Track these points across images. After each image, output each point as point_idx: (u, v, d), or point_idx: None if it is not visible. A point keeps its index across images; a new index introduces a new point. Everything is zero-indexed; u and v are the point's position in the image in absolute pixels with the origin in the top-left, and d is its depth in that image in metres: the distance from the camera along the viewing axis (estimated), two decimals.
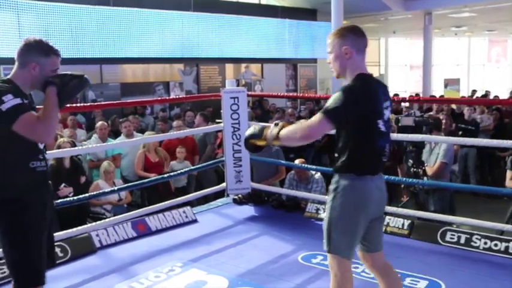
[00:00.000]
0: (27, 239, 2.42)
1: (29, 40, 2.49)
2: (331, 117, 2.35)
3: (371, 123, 2.42)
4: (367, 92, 2.41)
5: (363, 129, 2.42)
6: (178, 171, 5.52)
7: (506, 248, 3.91)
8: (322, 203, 4.97)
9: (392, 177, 4.71)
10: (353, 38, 2.49)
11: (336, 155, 2.53)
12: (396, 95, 14.63)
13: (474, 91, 17.74)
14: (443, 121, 6.05)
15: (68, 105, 6.18)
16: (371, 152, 2.46)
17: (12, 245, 2.42)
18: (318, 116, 2.37)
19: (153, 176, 5.80)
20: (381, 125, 2.43)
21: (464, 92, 20.79)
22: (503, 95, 16.04)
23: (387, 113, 2.48)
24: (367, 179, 2.46)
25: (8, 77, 2.48)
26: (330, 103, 2.37)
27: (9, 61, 9.69)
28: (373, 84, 2.48)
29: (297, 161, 5.56)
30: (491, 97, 14.44)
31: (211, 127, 6.23)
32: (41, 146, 2.53)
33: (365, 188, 2.46)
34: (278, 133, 2.50)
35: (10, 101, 2.29)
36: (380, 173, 2.55)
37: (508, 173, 5.06)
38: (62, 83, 2.50)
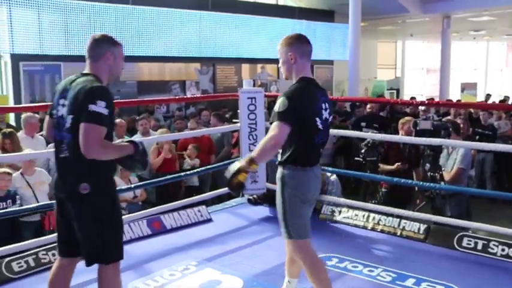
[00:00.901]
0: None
1: (96, 36, 2.71)
2: (286, 120, 2.70)
3: (310, 122, 2.79)
4: (306, 94, 2.81)
5: (303, 127, 2.76)
6: (195, 170, 5.53)
7: None
8: (338, 205, 4.96)
9: (409, 181, 4.67)
10: (298, 45, 2.90)
11: (280, 150, 2.86)
12: (413, 98, 14.59)
13: (488, 95, 17.52)
14: (461, 125, 5.99)
15: None
16: (310, 146, 2.84)
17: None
18: (276, 124, 2.71)
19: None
20: (319, 123, 2.82)
21: (481, 96, 20.58)
22: None
23: (325, 113, 2.86)
24: (307, 169, 2.85)
25: (89, 72, 2.65)
26: (279, 108, 2.73)
27: (28, 58, 9.83)
28: (312, 87, 2.89)
29: None
30: (509, 102, 14.26)
31: (227, 127, 6.24)
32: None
33: (307, 177, 2.86)
34: (251, 157, 2.71)
35: (100, 107, 2.46)
36: (318, 163, 2.96)
37: None
38: (140, 154, 2.71)
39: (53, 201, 4.45)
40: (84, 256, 2.68)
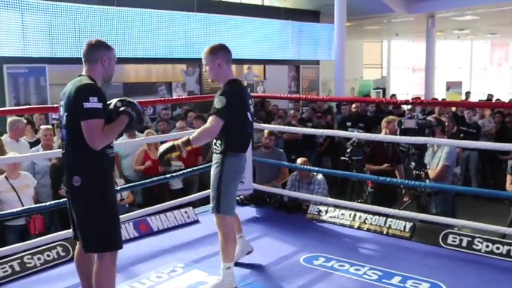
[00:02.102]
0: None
1: (91, 41, 2.95)
2: (221, 115, 3.22)
3: (243, 116, 3.37)
4: (238, 92, 3.37)
5: (237, 120, 3.32)
6: (181, 172, 5.52)
7: (508, 251, 3.91)
8: (324, 204, 4.98)
9: (395, 180, 4.71)
10: (223, 53, 3.42)
11: (215, 140, 3.39)
12: (393, 96, 14.69)
13: (468, 93, 17.67)
14: (446, 124, 6.05)
15: None
16: (244, 135, 3.43)
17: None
18: (212, 118, 3.23)
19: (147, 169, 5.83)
20: (249, 116, 3.42)
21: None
22: (505, 99, 16.02)
23: (251, 108, 3.49)
24: (241, 155, 3.42)
25: (85, 74, 2.88)
26: (216, 105, 3.25)
27: (12, 60, 9.74)
28: (241, 87, 3.49)
29: (299, 160, 5.58)
30: (493, 100, 14.42)
31: None
32: None
33: (240, 162, 3.43)
34: (188, 139, 3.25)
35: (94, 103, 2.70)
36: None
37: (509, 178, 5.07)
38: (136, 118, 2.93)
39: (38, 205, 4.45)
40: (81, 244, 2.91)
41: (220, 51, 3.43)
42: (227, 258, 3.39)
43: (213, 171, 3.43)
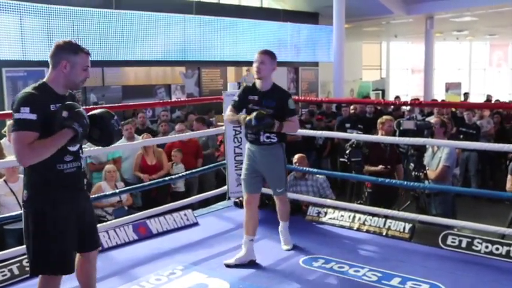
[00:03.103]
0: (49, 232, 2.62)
1: (59, 42, 2.67)
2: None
3: None
4: None
5: None
6: (178, 175, 5.52)
7: (508, 252, 3.91)
8: (324, 206, 4.97)
9: (394, 181, 4.70)
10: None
11: (268, 133, 3.85)
12: (397, 97, 14.70)
13: (467, 94, 17.69)
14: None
15: None
16: None
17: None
18: (295, 117, 3.96)
19: (147, 178, 5.85)
20: None
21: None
22: (504, 99, 16.03)
23: None
24: None
25: (44, 80, 2.66)
26: (292, 106, 3.92)
27: (11, 64, 9.73)
28: None
29: (296, 156, 5.59)
30: (493, 101, 14.43)
31: (212, 130, 6.24)
32: (74, 149, 2.68)
33: None
34: (282, 124, 3.77)
35: (24, 114, 2.46)
36: None
37: (509, 178, 5.06)
38: (81, 133, 2.58)
39: None
40: None
41: (276, 59, 3.94)
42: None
43: (270, 159, 3.90)
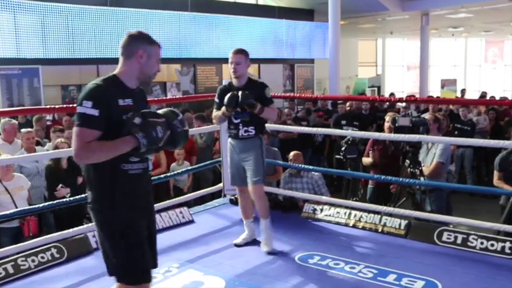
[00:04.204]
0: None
1: (131, 32, 2.54)
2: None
3: None
4: None
5: None
6: (176, 172, 5.51)
7: (503, 248, 3.92)
8: (320, 203, 4.97)
9: (389, 177, 4.71)
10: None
11: (247, 126, 4.04)
12: (392, 94, 14.72)
13: (464, 90, 17.73)
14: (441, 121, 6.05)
15: (65, 105, 6.16)
16: None
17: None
18: (273, 104, 4.05)
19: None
20: None
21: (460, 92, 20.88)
22: (499, 96, 16.05)
23: None
24: None
25: (114, 72, 2.51)
26: (269, 95, 4.03)
27: (6, 61, 9.69)
28: None
29: (291, 153, 5.58)
30: (487, 98, 14.45)
31: (208, 127, 6.23)
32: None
33: None
34: (262, 107, 3.92)
35: (87, 108, 2.30)
36: None
37: (496, 173, 5.09)
38: (146, 145, 2.36)
39: (31, 207, 4.42)
40: None
41: (249, 56, 4.05)
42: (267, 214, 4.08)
43: (248, 151, 4.03)
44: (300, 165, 5.38)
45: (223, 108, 3.97)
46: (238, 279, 3.57)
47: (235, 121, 4.04)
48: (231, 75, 4.06)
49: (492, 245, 3.97)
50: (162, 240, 4.37)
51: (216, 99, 4.17)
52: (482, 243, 4.01)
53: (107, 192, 2.44)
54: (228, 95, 3.91)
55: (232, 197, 5.41)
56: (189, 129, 6.98)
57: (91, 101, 2.30)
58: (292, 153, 5.59)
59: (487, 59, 26.17)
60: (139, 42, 2.51)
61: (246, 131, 4.03)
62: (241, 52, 4.01)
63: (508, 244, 3.92)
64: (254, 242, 4.27)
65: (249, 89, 3.93)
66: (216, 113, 4.16)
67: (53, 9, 9.33)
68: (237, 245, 4.18)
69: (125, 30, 9.44)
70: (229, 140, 4.20)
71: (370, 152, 5.67)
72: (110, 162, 2.37)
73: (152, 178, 5.10)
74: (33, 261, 3.74)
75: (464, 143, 6.70)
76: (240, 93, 3.86)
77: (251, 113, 3.92)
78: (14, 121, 6.07)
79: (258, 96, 3.91)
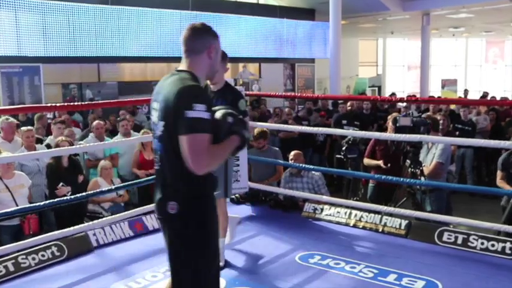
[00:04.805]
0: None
1: (195, 25, 2.31)
2: None
3: None
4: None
5: None
6: None
7: (503, 248, 3.92)
8: (321, 202, 4.97)
9: (390, 177, 4.71)
10: None
11: None
12: (393, 94, 14.72)
13: (466, 90, 17.75)
14: (441, 122, 6.06)
15: (65, 104, 6.13)
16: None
17: None
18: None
19: (143, 174, 5.85)
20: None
21: (462, 92, 20.86)
22: (500, 96, 16.05)
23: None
24: None
25: (184, 68, 2.30)
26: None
27: (6, 59, 9.69)
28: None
29: (292, 153, 5.58)
30: (489, 98, 14.45)
31: None
32: None
33: None
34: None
35: (200, 112, 2.07)
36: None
37: (499, 173, 5.09)
38: (244, 137, 2.31)
39: (32, 205, 4.42)
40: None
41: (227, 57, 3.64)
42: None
43: None
44: (300, 164, 5.38)
45: None
46: (238, 279, 3.57)
47: None
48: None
49: (493, 245, 3.97)
50: (161, 239, 4.38)
51: None
52: (482, 243, 4.01)
53: (200, 201, 2.24)
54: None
55: (233, 196, 5.41)
56: None
57: (204, 104, 2.08)
58: (293, 153, 5.59)
59: (487, 59, 26.16)
60: (210, 36, 2.32)
61: None
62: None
63: (508, 244, 3.93)
64: (255, 241, 4.27)
65: (225, 95, 3.60)
66: None
67: (54, 7, 9.33)
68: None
69: (125, 29, 9.44)
70: None
71: (373, 153, 5.64)
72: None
73: (146, 179, 5.15)
74: (33, 259, 3.74)
75: (465, 143, 6.69)
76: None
77: None
78: (11, 119, 6.05)
79: (230, 105, 3.24)
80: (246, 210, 5.23)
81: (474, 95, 17.37)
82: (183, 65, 2.31)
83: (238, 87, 4.74)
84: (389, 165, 5.35)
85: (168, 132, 2.15)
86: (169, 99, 2.12)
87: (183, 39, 2.30)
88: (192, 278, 2.23)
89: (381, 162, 5.40)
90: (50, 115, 8.72)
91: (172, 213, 2.18)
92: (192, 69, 2.27)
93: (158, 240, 4.29)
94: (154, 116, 2.25)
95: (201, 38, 2.29)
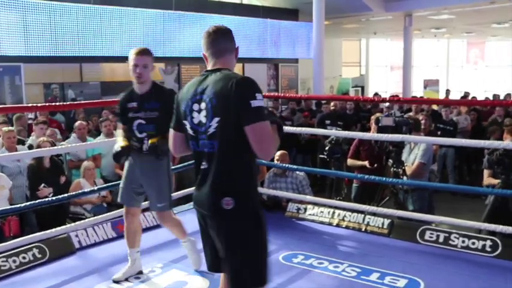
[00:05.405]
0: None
1: (224, 27, 2.43)
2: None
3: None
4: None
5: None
6: None
7: (484, 246, 3.98)
8: (304, 202, 4.99)
9: (373, 177, 4.74)
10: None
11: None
12: (376, 94, 14.82)
13: (448, 91, 17.95)
14: (423, 121, 6.12)
15: (47, 104, 6.05)
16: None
17: None
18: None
19: None
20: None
21: (444, 92, 21.08)
22: (481, 97, 16.28)
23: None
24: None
25: (222, 67, 2.34)
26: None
27: None
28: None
29: (278, 153, 5.58)
30: (470, 98, 14.62)
31: None
32: None
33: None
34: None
35: (261, 100, 2.18)
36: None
37: (485, 172, 5.15)
38: (281, 126, 2.42)
39: (13, 207, 4.37)
40: (229, 281, 2.32)
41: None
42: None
43: (151, 169, 3.43)
44: (284, 164, 5.39)
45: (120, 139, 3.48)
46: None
47: (140, 135, 3.39)
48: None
49: (473, 243, 4.03)
50: (146, 240, 4.35)
51: (118, 110, 3.64)
52: (463, 241, 4.07)
53: (253, 193, 2.32)
54: (116, 151, 3.44)
55: None
56: None
57: (261, 94, 2.21)
58: (278, 153, 5.58)
59: (468, 60, 26.49)
60: (232, 37, 2.43)
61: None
62: (147, 53, 3.35)
63: (488, 242, 3.99)
64: None
65: (155, 96, 3.37)
66: (119, 131, 3.68)
67: (35, 6, 9.21)
68: (116, 281, 3.51)
69: (108, 29, 9.38)
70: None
71: (357, 153, 5.67)
72: (254, 156, 2.26)
73: None
74: (14, 261, 3.70)
75: (446, 143, 6.77)
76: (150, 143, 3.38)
77: (157, 126, 3.31)
78: None
79: (164, 106, 3.21)
80: None
81: (455, 95, 17.56)
82: (217, 65, 2.35)
83: None
84: (375, 165, 5.40)
85: (226, 127, 2.20)
86: (225, 94, 2.17)
87: (216, 40, 2.36)
88: (251, 270, 2.29)
89: (366, 163, 5.43)
90: (31, 115, 8.62)
91: (227, 209, 2.21)
92: (227, 68, 2.34)
93: (141, 241, 4.27)
94: (200, 116, 2.27)
95: (232, 39, 2.40)
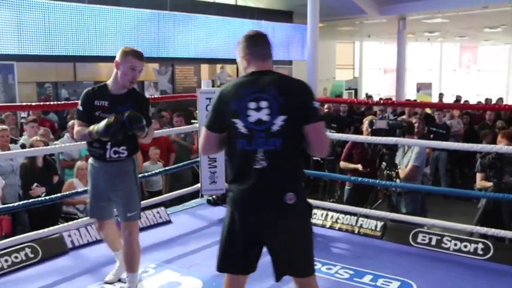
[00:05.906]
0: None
1: (261, 32, 2.58)
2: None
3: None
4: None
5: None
6: (155, 171, 5.48)
7: (475, 249, 4.00)
8: None
9: (366, 179, 4.76)
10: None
11: (118, 146, 3.14)
12: (370, 97, 14.88)
13: (441, 94, 18.05)
14: (416, 125, 6.15)
15: (41, 103, 6.01)
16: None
17: None
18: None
19: None
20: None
21: (436, 96, 21.19)
22: (473, 100, 16.39)
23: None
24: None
25: (272, 70, 2.48)
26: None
27: None
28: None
29: None
30: (462, 102, 14.71)
31: (187, 127, 6.22)
32: None
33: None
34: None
35: (317, 103, 2.39)
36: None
37: (478, 175, 5.19)
38: None
39: (5, 206, 4.34)
40: (296, 271, 2.52)
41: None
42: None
43: (117, 177, 3.18)
44: None
45: (94, 128, 3.02)
46: (215, 280, 3.55)
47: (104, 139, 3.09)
48: (121, 80, 3.20)
49: (465, 246, 4.05)
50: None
51: (80, 107, 3.20)
52: (455, 244, 4.09)
53: (305, 188, 2.52)
54: (108, 120, 2.97)
55: (210, 198, 5.41)
56: (168, 130, 6.94)
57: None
58: None
59: (461, 64, 26.65)
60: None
61: (115, 152, 3.14)
62: (144, 58, 3.22)
63: (480, 245, 4.01)
64: None
65: (130, 99, 3.16)
66: (79, 129, 3.17)
67: (29, 4, 9.17)
68: (108, 283, 3.47)
69: (103, 28, 9.35)
70: (91, 161, 3.27)
71: (350, 156, 5.68)
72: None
73: None
74: (6, 261, 3.68)
75: (439, 146, 6.80)
76: (127, 114, 2.98)
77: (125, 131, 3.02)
78: None
79: (138, 111, 3.05)
80: (222, 211, 5.17)
81: (448, 99, 17.66)
82: (264, 67, 2.45)
83: (216, 88, 4.68)
84: (368, 169, 5.41)
85: (291, 125, 2.29)
86: (293, 93, 2.31)
87: (267, 44, 2.51)
88: (310, 259, 2.48)
89: (359, 166, 5.45)
90: (24, 114, 8.57)
91: (290, 204, 2.31)
92: (273, 70, 2.47)
93: None
94: (260, 114, 2.29)
95: (270, 45, 2.54)
